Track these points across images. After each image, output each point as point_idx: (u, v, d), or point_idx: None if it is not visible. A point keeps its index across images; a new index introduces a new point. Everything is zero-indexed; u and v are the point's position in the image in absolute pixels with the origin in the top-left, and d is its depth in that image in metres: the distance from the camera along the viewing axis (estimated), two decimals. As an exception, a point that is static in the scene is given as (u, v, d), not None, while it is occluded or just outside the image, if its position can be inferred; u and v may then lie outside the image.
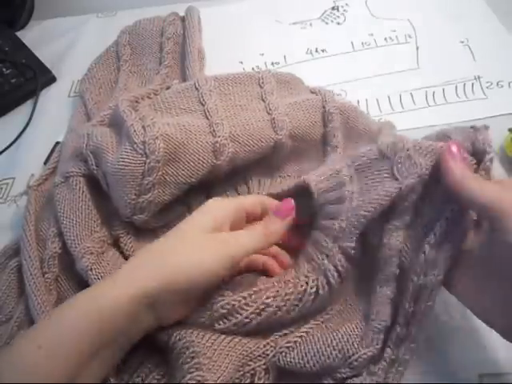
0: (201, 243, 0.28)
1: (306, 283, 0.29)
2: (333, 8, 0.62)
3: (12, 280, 0.37)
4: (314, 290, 0.29)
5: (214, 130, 0.36)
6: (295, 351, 0.29)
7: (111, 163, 0.33)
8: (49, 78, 0.58)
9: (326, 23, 0.61)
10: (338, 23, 0.60)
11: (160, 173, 0.33)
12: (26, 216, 0.39)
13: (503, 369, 0.31)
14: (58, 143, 0.50)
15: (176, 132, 0.34)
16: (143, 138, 0.32)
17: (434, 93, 0.50)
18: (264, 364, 0.28)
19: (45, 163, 0.49)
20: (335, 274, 0.29)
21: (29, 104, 0.56)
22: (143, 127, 0.33)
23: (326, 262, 0.29)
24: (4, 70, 0.57)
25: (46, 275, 0.35)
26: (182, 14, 0.60)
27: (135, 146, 0.33)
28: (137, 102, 0.39)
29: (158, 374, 0.29)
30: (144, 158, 0.32)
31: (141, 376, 0.29)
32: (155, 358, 0.30)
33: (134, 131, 0.33)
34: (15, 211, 0.46)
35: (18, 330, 0.33)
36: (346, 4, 0.62)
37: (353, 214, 0.29)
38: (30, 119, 0.53)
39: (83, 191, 0.36)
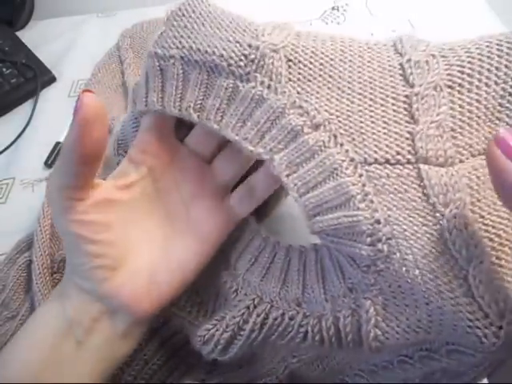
0: None
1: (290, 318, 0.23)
2: (333, 8, 0.62)
3: (20, 276, 0.36)
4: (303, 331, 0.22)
5: None
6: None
7: None
8: (49, 78, 0.58)
9: (326, 23, 0.61)
10: (338, 23, 0.60)
11: None
12: (44, 206, 0.39)
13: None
14: (58, 143, 0.50)
15: None
16: None
17: (434, 93, 0.50)
18: (276, 378, 0.28)
19: (45, 163, 0.49)
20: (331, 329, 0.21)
21: (29, 104, 0.56)
22: None
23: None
24: (4, 69, 0.57)
25: (54, 275, 0.35)
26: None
27: None
28: None
29: (164, 374, 0.29)
30: None
31: (145, 378, 0.29)
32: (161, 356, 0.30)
33: None
34: (30, 196, 0.46)
35: (22, 327, 0.33)
36: (346, 4, 0.62)
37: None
38: (29, 119, 0.53)
39: None
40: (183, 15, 0.23)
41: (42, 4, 0.70)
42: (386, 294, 0.20)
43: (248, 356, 0.27)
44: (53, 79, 0.58)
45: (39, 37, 0.64)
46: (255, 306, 0.23)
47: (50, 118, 0.54)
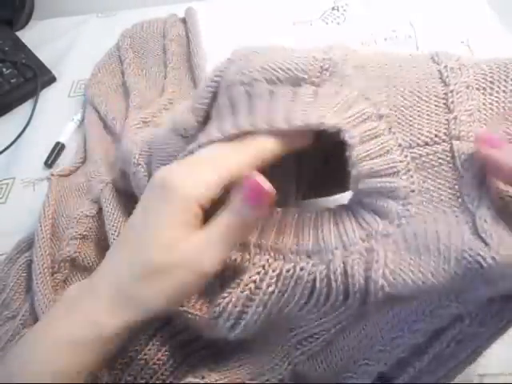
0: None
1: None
2: (333, 8, 0.62)
3: (21, 276, 0.37)
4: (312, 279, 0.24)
5: None
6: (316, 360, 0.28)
7: None
8: (49, 78, 0.58)
9: (326, 23, 0.61)
10: (338, 23, 0.60)
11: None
12: (45, 206, 0.39)
13: (503, 369, 0.31)
14: (58, 143, 0.50)
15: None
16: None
17: (434, 93, 0.50)
18: (279, 374, 0.28)
19: (45, 163, 0.49)
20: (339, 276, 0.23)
21: (29, 104, 0.56)
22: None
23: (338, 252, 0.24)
24: (4, 69, 0.57)
25: (55, 275, 0.35)
26: (180, 14, 0.60)
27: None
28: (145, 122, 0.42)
29: (163, 373, 0.29)
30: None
31: (145, 378, 0.29)
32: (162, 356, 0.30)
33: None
34: (30, 196, 0.46)
35: (22, 327, 0.33)
36: (346, 4, 0.62)
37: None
38: (30, 119, 0.53)
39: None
40: (248, 51, 0.29)
41: (42, 4, 0.70)
42: (400, 243, 0.23)
43: (257, 336, 0.28)
44: (53, 79, 0.58)
45: (39, 37, 0.65)
46: (270, 265, 0.25)
47: (50, 118, 0.54)
